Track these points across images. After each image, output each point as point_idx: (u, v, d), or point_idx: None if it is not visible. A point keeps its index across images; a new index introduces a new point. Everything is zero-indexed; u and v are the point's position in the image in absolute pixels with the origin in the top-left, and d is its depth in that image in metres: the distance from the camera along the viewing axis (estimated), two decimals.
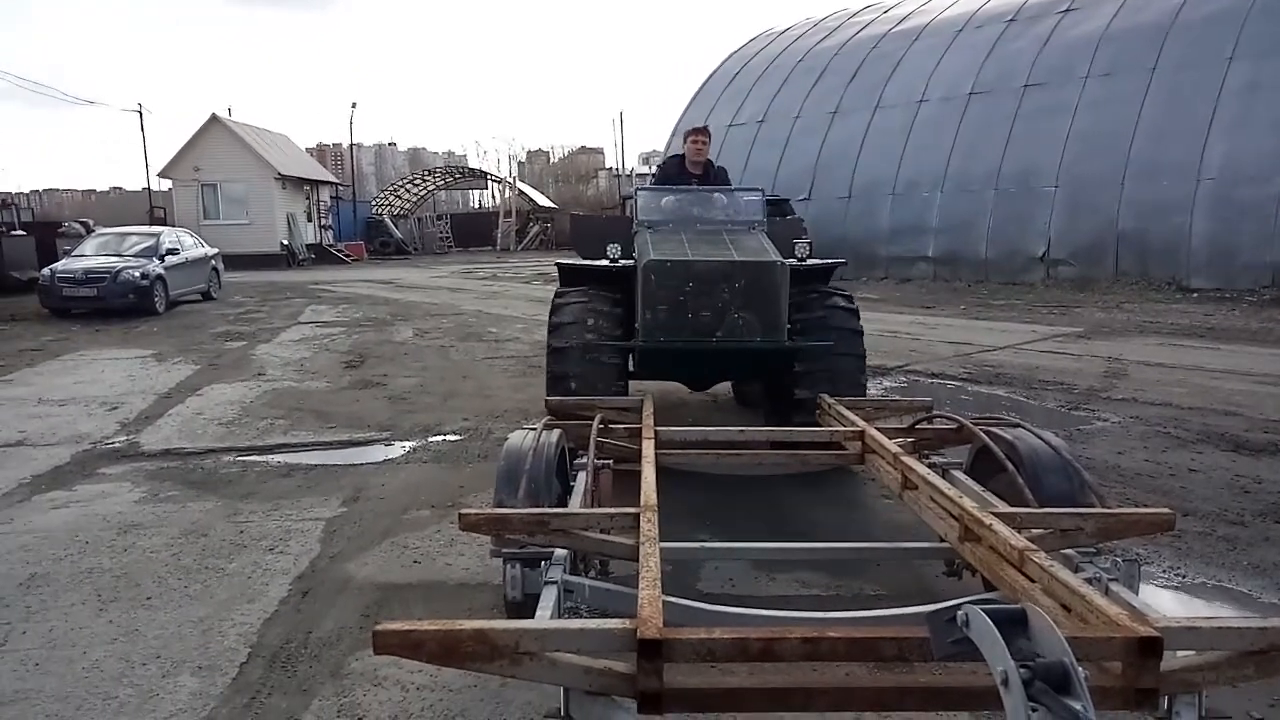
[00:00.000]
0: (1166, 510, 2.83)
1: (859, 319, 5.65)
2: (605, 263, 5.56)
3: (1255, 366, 8.87)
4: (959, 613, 1.48)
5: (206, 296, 19.27)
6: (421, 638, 1.85)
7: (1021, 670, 1.33)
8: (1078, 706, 1.28)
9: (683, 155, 6.54)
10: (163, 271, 16.89)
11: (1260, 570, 3.96)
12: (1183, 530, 4.26)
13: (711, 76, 28.18)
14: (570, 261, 6.07)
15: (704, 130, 6.65)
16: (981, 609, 1.44)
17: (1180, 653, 1.92)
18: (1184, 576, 3.94)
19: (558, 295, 5.73)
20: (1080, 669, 1.32)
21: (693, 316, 4.98)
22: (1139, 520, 2.79)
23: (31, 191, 62.81)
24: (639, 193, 6.16)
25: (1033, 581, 2.23)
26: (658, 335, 5.05)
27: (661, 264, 5.04)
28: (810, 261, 5.64)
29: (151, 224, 26.37)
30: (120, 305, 15.80)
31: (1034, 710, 1.30)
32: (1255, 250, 15.23)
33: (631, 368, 5.53)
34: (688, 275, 4.98)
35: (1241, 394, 7.56)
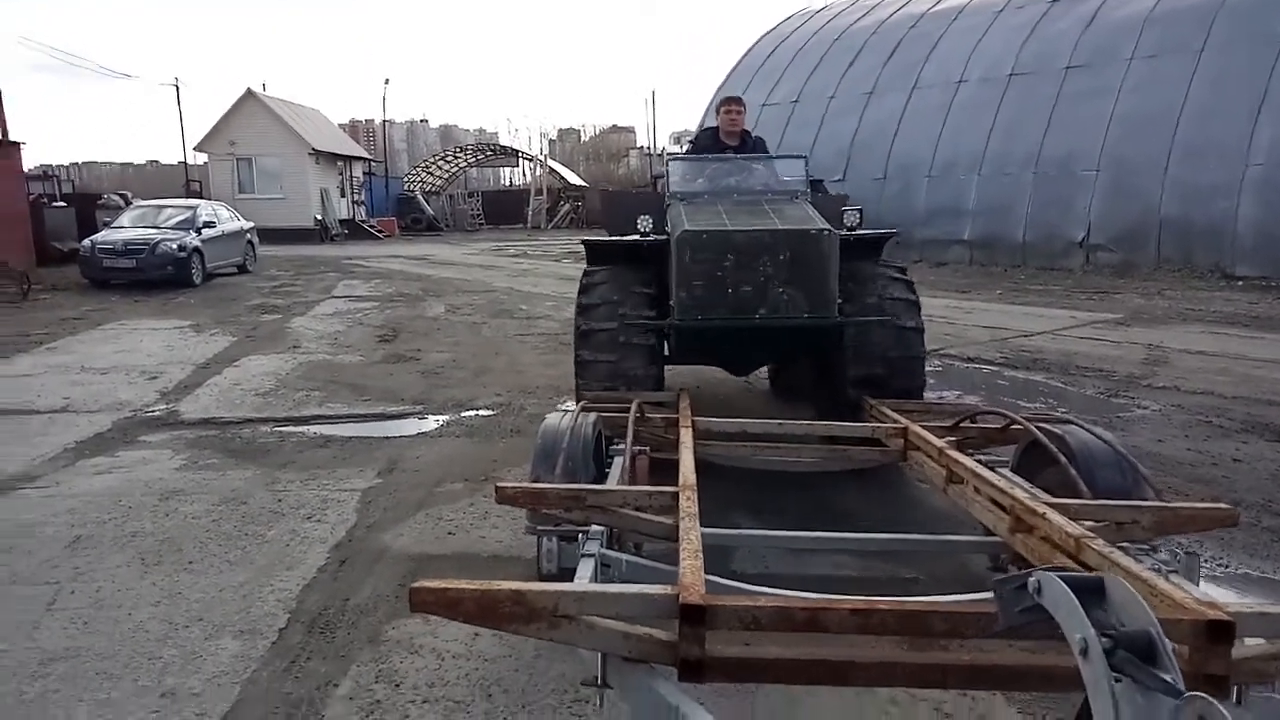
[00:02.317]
0: (1227, 506, 2.75)
1: (914, 290, 5.21)
2: (636, 237, 5.19)
3: None
4: (1030, 580, 1.42)
5: (242, 269, 19.48)
6: (459, 596, 1.84)
7: (1103, 639, 1.27)
8: (1167, 677, 1.21)
9: (716, 127, 6.21)
10: (200, 244, 17.10)
11: None
12: (1238, 520, 4.17)
13: (746, 56, 27.86)
14: (598, 238, 5.82)
15: (738, 100, 6.29)
16: (1057, 575, 1.38)
17: (1250, 640, 1.85)
18: (1228, 568, 3.87)
19: (586, 275, 5.40)
20: (1166, 640, 1.26)
21: (733, 292, 4.58)
22: (1198, 515, 2.70)
23: (71, 164, 63.75)
24: (671, 162, 5.77)
25: (1091, 569, 2.18)
26: (694, 314, 4.66)
27: (698, 235, 4.68)
28: (860, 231, 5.16)
29: (188, 197, 26.65)
30: (158, 277, 16.05)
31: (1117, 681, 1.24)
32: None
33: (666, 352, 5.28)
34: (727, 247, 4.60)
35: None
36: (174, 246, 16.38)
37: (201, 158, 36.25)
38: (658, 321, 4.96)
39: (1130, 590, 1.34)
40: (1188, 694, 1.14)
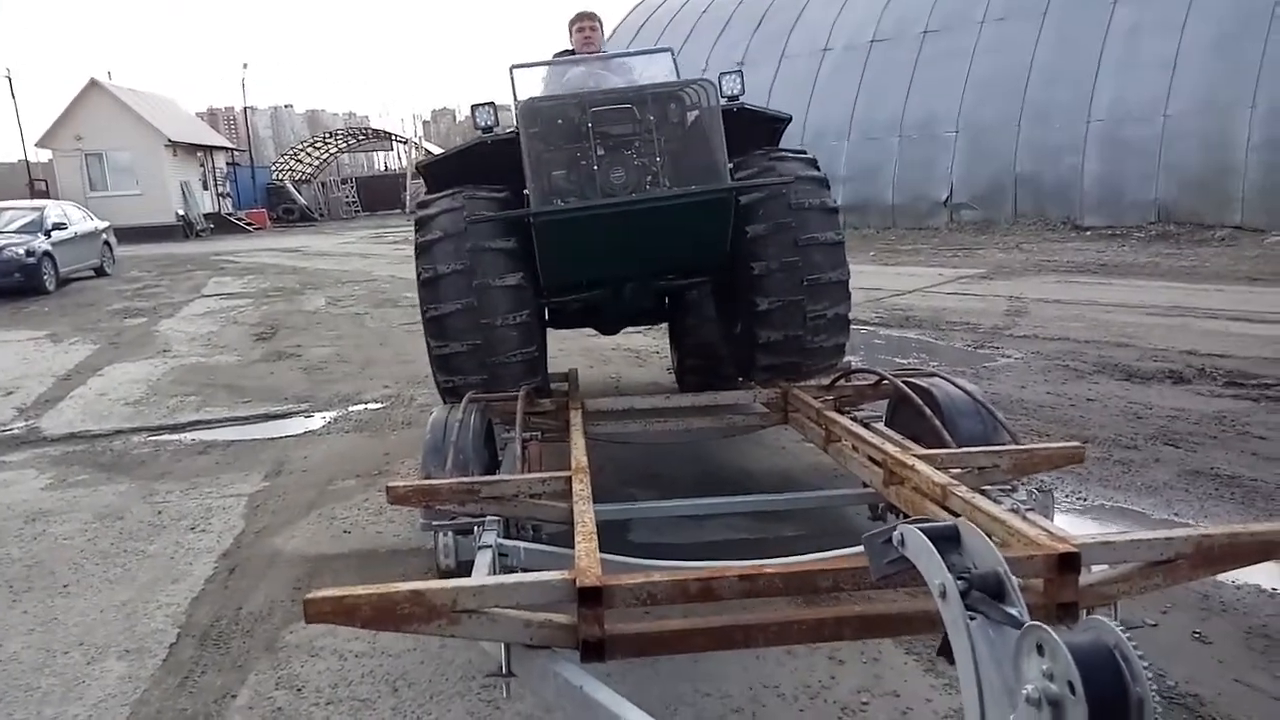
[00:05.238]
0: (1076, 444, 2.98)
1: (829, 189, 4.23)
2: (479, 135, 4.09)
3: (1144, 299, 9.36)
4: (894, 533, 1.54)
5: (100, 272, 18.38)
6: (356, 603, 1.83)
7: (958, 582, 1.39)
8: (1014, 611, 1.35)
9: (572, 50, 5.22)
10: (50, 248, 16.04)
11: (1152, 490, 4.24)
12: (1084, 458, 4.51)
13: (616, 30, 27.78)
14: (433, 156, 4.93)
15: (591, 15, 5.16)
16: (916, 527, 1.50)
17: (1095, 567, 2.04)
18: (1085, 500, 4.19)
19: (420, 222, 4.06)
20: (1013, 577, 1.39)
21: (599, 170, 3.65)
22: (1051, 454, 2.93)
23: None
24: (515, 71, 4.61)
25: (956, 515, 2.34)
26: (554, 200, 3.67)
27: (543, 103, 3.85)
28: (745, 101, 4.10)
29: (32, 197, 24.87)
30: (5, 285, 14.99)
31: (972, 618, 1.36)
32: (1141, 188, 15.94)
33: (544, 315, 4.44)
34: (582, 116, 3.67)
35: (1132, 325, 7.99)
36: (21, 251, 15.30)
37: (45, 154, 33.82)
38: (514, 213, 3.85)
39: (980, 535, 1.47)
40: (1027, 624, 1.27)
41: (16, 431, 6.50)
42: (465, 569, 2.59)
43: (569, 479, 2.81)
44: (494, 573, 2.45)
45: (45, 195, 28.00)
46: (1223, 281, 10.32)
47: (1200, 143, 15.30)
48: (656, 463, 4.94)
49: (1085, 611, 1.94)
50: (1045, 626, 1.21)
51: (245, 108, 48.42)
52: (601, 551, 2.19)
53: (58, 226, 16.76)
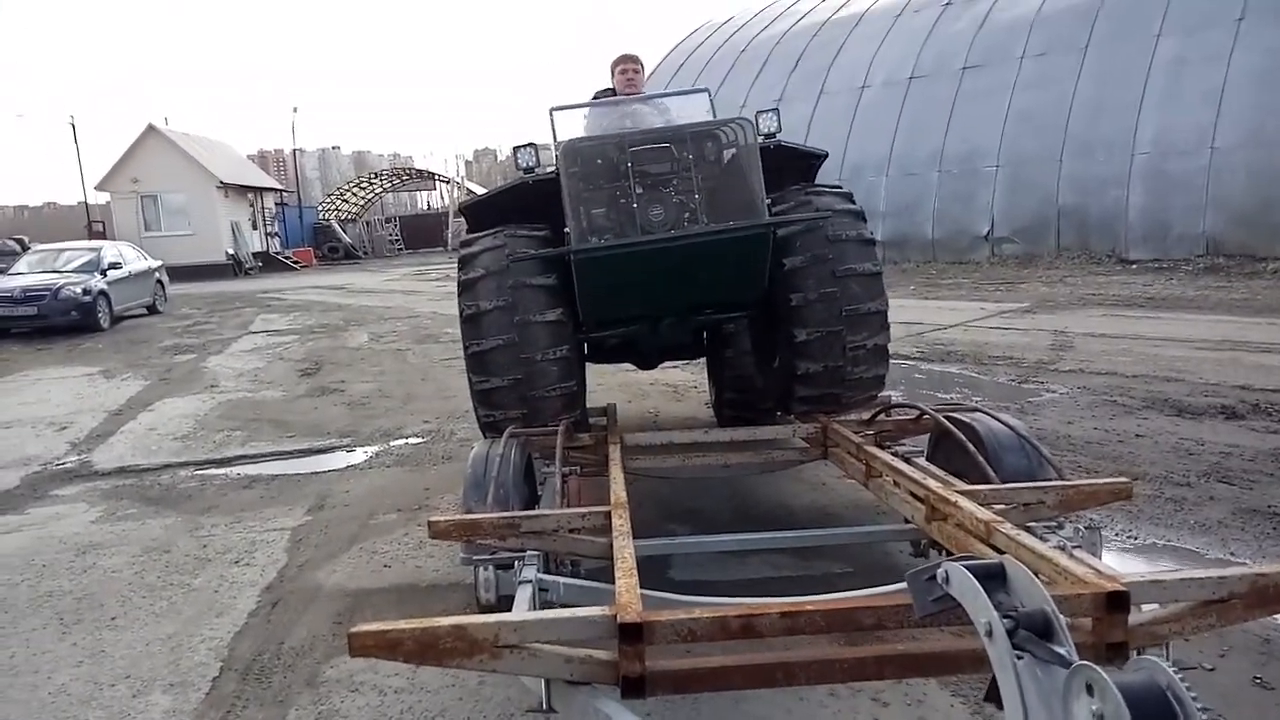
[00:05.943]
0: (1124, 479, 2.91)
1: (865, 221, 4.27)
2: (521, 176, 4.19)
3: (1193, 333, 9.15)
4: (939, 571, 1.52)
5: (152, 310, 18.90)
6: (399, 637, 1.85)
7: (1005, 620, 1.36)
8: (1062, 650, 1.32)
9: (613, 89, 5.33)
10: (105, 287, 16.54)
11: (1206, 528, 4.11)
12: (1132, 494, 4.40)
13: (656, 70, 28.18)
14: (475, 196, 5.04)
15: (634, 58, 5.29)
16: (961, 564, 1.48)
17: (1145, 607, 1.98)
18: (1136, 538, 4.07)
19: (463, 261, 4.15)
20: (1060, 616, 1.36)
21: (638, 208, 3.71)
22: (1098, 491, 2.86)
23: None
24: (554, 113, 4.73)
25: (1001, 552, 2.29)
26: (592, 239, 3.72)
27: (583, 144, 3.94)
28: (781, 138, 4.15)
29: (90, 238, 25.71)
30: (63, 323, 15.46)
31: (1019, 658, 1.33)
32: (1188, 221, 15.69)
33: (581, 348, 4.47)
34: (621, 155, 3.74)
35: (1181, 360, 7.81)
36: (78, 290, 15.81)
37: (103, 197, 35.07)
38: (554, 251, 3.96)
39: (1027, 573, 1.44)
40: (1076, 664, 1.23)
41: (69, 465, 6.67)
42: (505, 604, 2.59)
43: (608, 514, 2.80)
44: (534, 608, 2.44)
45: (102, 236, 28.97)
46: (1275, 315, 10.06)
47: (1249, 175, 15.05)
48: (696, 498, 4.91)
49: (1136, 652, 1.88)
50: (1095, 666, 1.18)
51: (294, 149, 49.83)
52: (642, 587, 2.18)
53: (113, 266, 17.31)
